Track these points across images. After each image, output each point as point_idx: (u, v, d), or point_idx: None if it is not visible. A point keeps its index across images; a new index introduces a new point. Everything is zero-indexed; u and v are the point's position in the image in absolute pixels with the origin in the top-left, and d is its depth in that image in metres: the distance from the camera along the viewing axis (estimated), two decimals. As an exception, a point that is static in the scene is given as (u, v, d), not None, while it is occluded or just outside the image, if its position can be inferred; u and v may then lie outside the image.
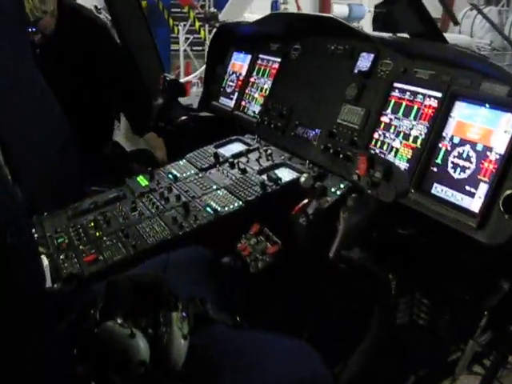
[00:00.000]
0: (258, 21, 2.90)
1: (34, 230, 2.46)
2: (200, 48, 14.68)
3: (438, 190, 1.88)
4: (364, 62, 2.36)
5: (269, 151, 2.64)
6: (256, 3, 13.08)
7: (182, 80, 11.96)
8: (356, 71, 2.36)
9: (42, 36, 3.08)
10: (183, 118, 3.70)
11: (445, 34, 2.27)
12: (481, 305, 1.98)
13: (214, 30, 8.11)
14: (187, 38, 13.61)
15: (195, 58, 14.25)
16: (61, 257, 2.18)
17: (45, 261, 2.09)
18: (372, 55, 2.33)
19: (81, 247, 2.21)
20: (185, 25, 12.69)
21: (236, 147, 2.83)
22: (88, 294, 1.70)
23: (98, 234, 2.30)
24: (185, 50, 14.07)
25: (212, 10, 8.06)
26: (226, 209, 2.25)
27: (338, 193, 2.20)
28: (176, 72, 14.06)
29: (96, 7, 4.33)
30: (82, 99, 3.25)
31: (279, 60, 2.91)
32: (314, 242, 2.15)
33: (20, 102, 2.56)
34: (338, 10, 15.23)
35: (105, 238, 2.24)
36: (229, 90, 3.34)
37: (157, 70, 3.71)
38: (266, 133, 2.85)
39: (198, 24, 11.04)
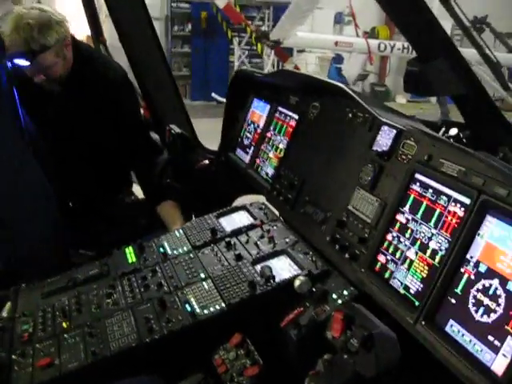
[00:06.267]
0: (270, 74, 2.56)
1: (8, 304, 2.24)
2: (258, 60, 14.46)
3: (454, 329, 1.46)
4: (384, 138, 1.96)
5: (272, 231, 2.28)
6: (319, 16, 12.73)
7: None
8: (374, 149, 1.96)
9: (48, 80, 2.83)
10: (205, 162, 3.41)
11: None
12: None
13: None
14: (244, 51, 13.42)
15: (253, 71, 14.04)
16: (17, 352, 1.93)
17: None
18: (394, 132, 1.92)
19: (38, 345, 1.94)
20: (240, 38, 12.47)
21: (239, 218, 2.49)
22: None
23: (64, 324, 2.04)
24: (242, 62, 13.89)
25: (263, 28, 7.72)
26: (206, 312, 1.92)
27: (340, 302, 1.81)
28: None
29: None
30: (88, 151, 3.00)
31: (297, 117, 2.54)
32: (305, 362, 1.77)
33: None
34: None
35: (66, 336, 1.96)
36: (246, 141, 3.00)
37: (180, 116, 3.44)
38: (275, 204, 2.50)
39: (254, 36, 10.74)
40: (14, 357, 1.90)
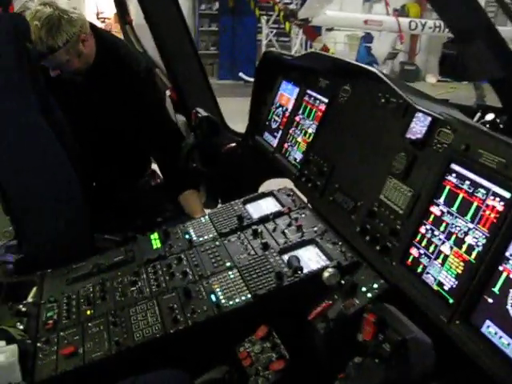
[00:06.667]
0: (299, 57, 2.48)
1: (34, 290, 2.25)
2: (286, 39, 14.27)
3: (491, 330, 1.39)
4: (418, 125, 1.87)
5: (300, 219, 2.22)
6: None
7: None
8: (408, 137, 1.88)
9: (66, 73, 2.79)
10: (232, 145, 3.35)
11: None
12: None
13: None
14: (272, 30, 13.23)
15: (281, 49, 13.86)
16: (42, 339, 1.93)
17: (15, 352, 1.83)
18: (429, 119, 1.83)
19: (62, 333, 1.92)
20: (268, 17, 12.26)
21: (266, 205, 2.44)
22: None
23: (88, 312, 2.01)
24: (270, 41, 13.73)
25: (292, 7, 7.57)
26: (231, 303, 1.88)
27: (369, 295, 1.75)
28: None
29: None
30: (110, 138, 2.97)
31: (326, 101, 2.45)
32: (332, 357, 1.72)
33: (22, 152, 2.32)
34: None
35: (90, 324, 1.94)
36: (274, 125, 2.93)
37: (206, 98, 3.38)
38: (303, 190, 2.43)
39: (282, 14, 10.58)
40: (38, 344, 1.90)
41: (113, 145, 2.97)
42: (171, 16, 3.15)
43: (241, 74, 10.57)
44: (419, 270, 1.67)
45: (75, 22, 2.69)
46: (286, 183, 2.66)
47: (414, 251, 1.71)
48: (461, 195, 1.61)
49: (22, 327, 2.01)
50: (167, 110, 3.17)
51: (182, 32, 3.21)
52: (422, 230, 1.71)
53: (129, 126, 2.91)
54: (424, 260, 1.67)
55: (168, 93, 3.49)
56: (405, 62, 16.43)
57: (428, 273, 1.64)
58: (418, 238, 1.71)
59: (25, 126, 2.31)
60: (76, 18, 2.70)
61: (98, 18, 15.71)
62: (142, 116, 2.86)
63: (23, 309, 2.11)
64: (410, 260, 1.72)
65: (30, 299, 2.22)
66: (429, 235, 1.68)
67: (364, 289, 1.78)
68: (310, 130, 2.54)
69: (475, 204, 1.55)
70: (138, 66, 2.94)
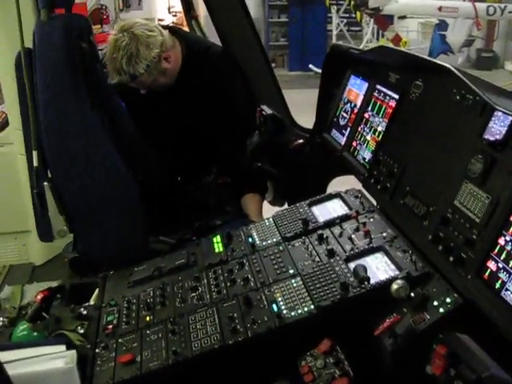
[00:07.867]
0: (368, 51, 2.35)
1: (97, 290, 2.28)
2: (357, 28, 13.96)
3: None
4: (498, 125, 1.71)
5: (368, 224, 2.10)
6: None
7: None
8: (486, 137, 1.72)
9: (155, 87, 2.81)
10: (299, 141, 3.26)
11: None
12: None
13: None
14: (342, 19, 12.96)
15: (352, 39, 13.59)
16: (101, 345, 1.91)
17: (74, 358, 1.82)
18: (510, 118, 1.67)
19: (120, 340, 1.90)
20: (338, 6, 12.01)
21: (333, 207, 2.33)
22: None
23: (147, 318, 1.99)
24: (340, 31, 13.49)
25: (363, -5, 7.36)
26: (293, 313, 1.79)
27: (442, 310, 1.62)
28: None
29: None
30: (193, 131, 2.96)
31: (397, 97, 2.32)
32: (400, 376, 1.61)
33: (72, 151, 2.31)
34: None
35: (148, 331, 1.90)
36: (342, 122, 2.81)
37: (273, 93, 3.30)
38: (372, 192, 2.31)
39: (352, 4, 10.32)
40: (97, 350, 1.88)
41: (189, 142, 2.96)
42: (234, 10, 3.07)
43: (311, 66, 10.42)
44: (497, 285, 1.52)
45: (153, 44, 2.68)
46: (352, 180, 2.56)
47: (491, 264, 1.57)
48: (546, 205, 1.45)
49: (82, 331, 2.01)
50: (245, 98, 3.10)
51: (246, 26, 3.12)
52: (501, 241, 1.56)
53: (210, 118, 2.89)
54: (503, 275, 1.52)
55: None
56: (482, 48, 15.69)
57: (507, 289, 1.49)
58: (496, 251, 1.57)
59: (76, 125, 2.31)
60: (153, 41, 2.68)
61: (169, 12, 15.96)
62: (221, 108, 2.85)
63: (84, 312, 2.11)
64: (486, 274, 1.57)
65: (91, 301, 2.22)
66: (508, 247, 1.53)
67: (436, 303, 1.65)
68: (379, 128, 2.41)
69: (563, 216, 1.39)
70: (216, 58, 2.95)
